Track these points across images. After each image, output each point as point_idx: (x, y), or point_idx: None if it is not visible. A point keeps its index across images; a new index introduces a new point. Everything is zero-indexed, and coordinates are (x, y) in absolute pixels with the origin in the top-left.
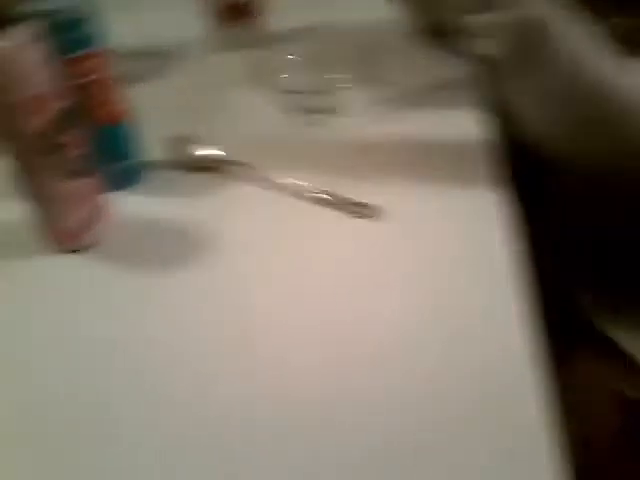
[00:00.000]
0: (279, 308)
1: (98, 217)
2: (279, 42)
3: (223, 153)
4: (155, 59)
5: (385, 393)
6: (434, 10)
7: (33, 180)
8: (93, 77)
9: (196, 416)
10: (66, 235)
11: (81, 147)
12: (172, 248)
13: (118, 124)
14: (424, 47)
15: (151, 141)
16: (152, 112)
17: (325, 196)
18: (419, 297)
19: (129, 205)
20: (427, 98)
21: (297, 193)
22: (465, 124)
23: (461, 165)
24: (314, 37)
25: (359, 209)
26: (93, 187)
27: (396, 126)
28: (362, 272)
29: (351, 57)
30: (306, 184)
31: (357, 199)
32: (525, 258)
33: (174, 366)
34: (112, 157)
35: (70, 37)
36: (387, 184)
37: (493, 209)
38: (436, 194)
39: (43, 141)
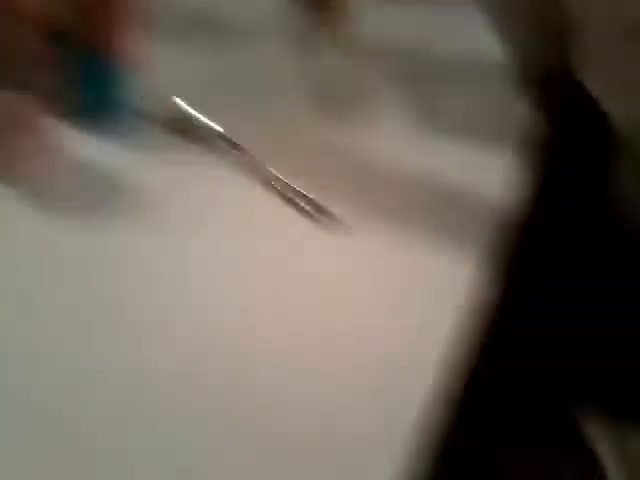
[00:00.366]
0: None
1: (45, 150)
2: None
3: (218, 128)
4: (213, 31)
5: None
6: (555, 52)
7: None
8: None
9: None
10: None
11: (57, 69)
12: (114, 205)
13: (116, 61)
14: (516, 92)
15: (151, 94)
16: (170, 71)
17: (297, 196)
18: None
19: (92, 149)
20: (473, 138)
21: (273, 186)
22: (494, 176)
23: (461, 219)
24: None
25: (325, 218)
26: (45, 116)
27: (419, 152)
28: (299, 280)
29: (414, 74)
30: (287, 181)
31: (329, 208)
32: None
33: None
34: (95, 92)
35: None
36: (374, 207)
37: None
38: (418, 234)
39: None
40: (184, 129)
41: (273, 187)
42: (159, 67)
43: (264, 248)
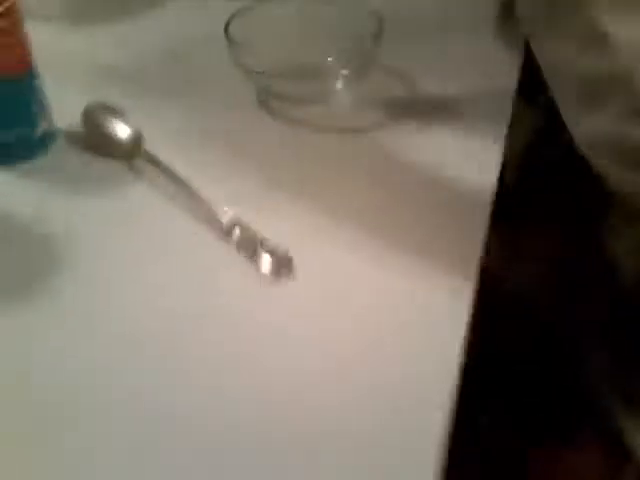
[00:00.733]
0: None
1: None
2: None
3: (141, 137)
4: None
5: None
6: None
7: None
8: None
9: None
10: None
11: None
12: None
13: (17, 76)
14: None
15: (60, 107)
16: (73, 68)
17: (239, 232)
18: None
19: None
20: (458, 107)
21: (209, 217)
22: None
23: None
24: None
25: (275, 262)
26: None
27: (401, 139)
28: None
29: (365, 30)
30: (230, 211)
31: (282, 249)
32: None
33: None
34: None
35: None
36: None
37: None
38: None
39: None
40: (107, 149)
41: (218, 225)
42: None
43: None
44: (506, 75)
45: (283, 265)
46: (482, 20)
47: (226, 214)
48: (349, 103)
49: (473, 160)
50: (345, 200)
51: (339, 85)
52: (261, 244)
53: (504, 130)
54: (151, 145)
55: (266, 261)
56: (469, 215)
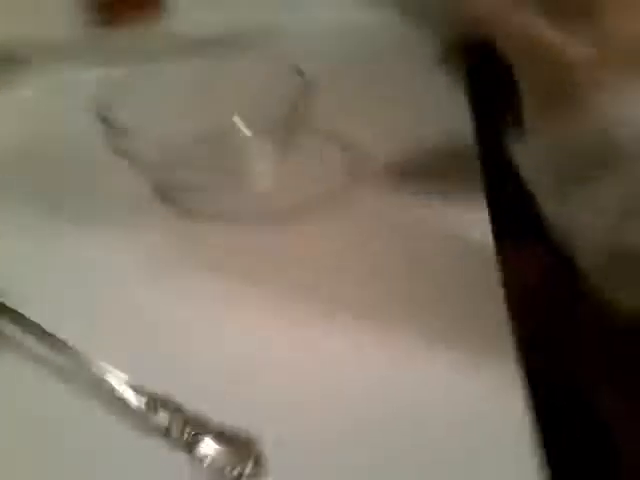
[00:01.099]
0: None
1: None
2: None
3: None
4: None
5: None
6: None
7: None
8: None
9: None
10: None
11: None
12: None
13: None
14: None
15: None
16: None
17: (164, 413)
18: None
19: None
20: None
21: (113, 396)
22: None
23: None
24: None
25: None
26: None
27: (357, 218)
28: None
29: (286, 89)
30: (143, 384)
31: (238, 431)
32: None
33: None
34: None
35: None
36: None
37: None
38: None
39: None
40: None
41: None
42: None
43: None
44: (459, 120)
45: (242, 457)
46: (422, 65)
47: (137, 389)
48: (278, 184)
49: (457, 222)
50: (310, 319)
51: (261, 162)
52: (203, 429)
53: (479, 177)
54: (15, 296)
55: (212, 454)
56: (478, 280)
